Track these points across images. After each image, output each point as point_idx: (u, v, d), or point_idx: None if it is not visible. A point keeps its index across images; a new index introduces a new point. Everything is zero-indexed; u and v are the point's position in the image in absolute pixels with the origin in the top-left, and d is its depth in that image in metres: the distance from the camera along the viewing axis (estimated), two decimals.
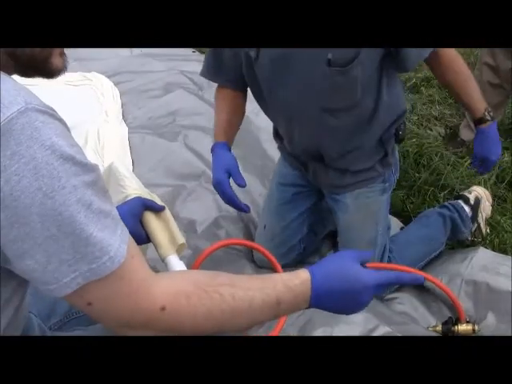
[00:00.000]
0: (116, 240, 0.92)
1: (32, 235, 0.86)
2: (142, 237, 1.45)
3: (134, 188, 1.58)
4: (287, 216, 2.19)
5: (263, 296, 1.04)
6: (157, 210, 1.48)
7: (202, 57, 3.62)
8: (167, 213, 1.51)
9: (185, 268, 1.42)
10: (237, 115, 2.05)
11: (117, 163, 1.77)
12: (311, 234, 2.29)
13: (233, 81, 1.98)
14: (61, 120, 0.90)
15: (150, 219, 1.46)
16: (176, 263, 1.41)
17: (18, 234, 0.86)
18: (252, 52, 1.78)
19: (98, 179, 0.92)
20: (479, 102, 1.93)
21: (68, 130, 0.92)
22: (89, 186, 0.89)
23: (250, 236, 2.35)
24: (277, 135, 2.18)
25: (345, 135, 1.91)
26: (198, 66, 3.34)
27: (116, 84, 3.26)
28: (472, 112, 1.97)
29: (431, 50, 1.76)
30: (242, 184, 1.84)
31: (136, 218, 1.45)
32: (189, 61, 3.56)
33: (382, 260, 2.12)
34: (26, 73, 1.01)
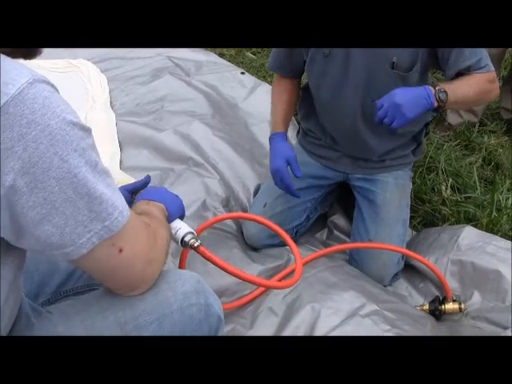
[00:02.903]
0: (119, 195, 1.00)
1: (50, 199, 0.91)
2: None
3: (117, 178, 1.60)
4: (293, 201, 2.23)
5: None
6: (142, 187, 1.52)
7: None
8: None
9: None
10: (293, 103, 2.27)
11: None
12: (305, 220, 2.32)
13: (296, 72, 2.22)
14: (55, 87, 0.95)
15: None
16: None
17: (37, 199, 0.90)
18: (325, 49, 1.98)
19: (94, 142, 0.98)
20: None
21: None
22: (92, 148, 0.96)
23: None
24: (308, 130, 2.32)
25: (391, 134, 2.05)
26: (185, 52, 3.38)
27: (103, 71, 3.22)
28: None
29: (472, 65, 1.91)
30: (298, 175, 2.04)
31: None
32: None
33: (402, 246, 2.19)
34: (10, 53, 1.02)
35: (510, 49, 3.28)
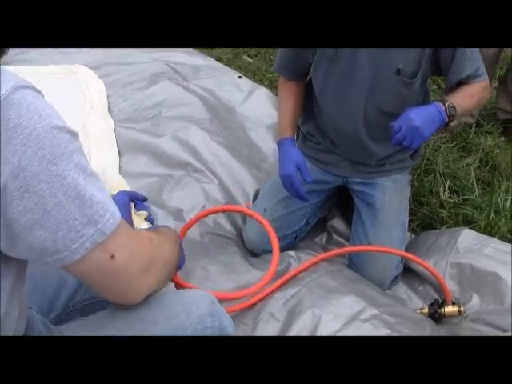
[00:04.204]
0: (109, 198, 1.01)
1: (41, 203, 0.91)
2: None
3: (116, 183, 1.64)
4: (292, 206, 2.25)
5: None
6: (141, 199, 1.55)
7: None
8: None
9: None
10: (300, 106, 2.27)
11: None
12: (305, 225, 2.33)
13: (301, 75, 2.24)
14: (40, 92, 0.96)
15: None
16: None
17: (28, 203, 0.91)
18: (331, 51, 2.01)
19: (81, 146, 0.98)
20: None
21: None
22: (80, 151, 0.96)
23: (235, 223, 2.38)
24: (308, 134, 2.34)
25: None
26: (182, 56, 3.39)
27: (101, 76, 3.22)
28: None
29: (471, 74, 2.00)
30: (308, 180, 2.09)
31: (128, 210, 1.50)
32: (173, 51, 3.53)
33: (401, 249, 2.21)
34: None
35: (505, 49, 3.29)
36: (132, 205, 1.53)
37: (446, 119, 1.90)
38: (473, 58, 1.99)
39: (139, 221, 1.55)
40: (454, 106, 1.90)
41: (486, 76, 2.06)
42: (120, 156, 2.61)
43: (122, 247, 1.03)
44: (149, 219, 1.58)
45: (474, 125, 3.23)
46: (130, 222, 1.49)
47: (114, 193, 1.55)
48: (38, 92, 0.94)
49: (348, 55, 2.00)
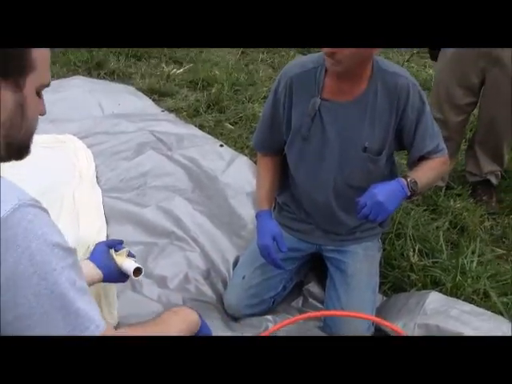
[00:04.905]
0: (96, 311, 1.10)
1: (29, 314, 1.01)
2: (120, 272, 1.73)
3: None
4: (270, 272, 2.38)
5: None
6: (119, 244, 1.75)
7: (170, 116, 3.84)
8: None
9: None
10: (276, 180, 2.41)
11: None
12: (282, 290, 2.47)
13: (277, 150, 2.36)
14: (45, 210, 1.07)
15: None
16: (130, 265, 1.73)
17: (17, 314, 1.00)
18: (304, 130, 2.15)
19: (76, 260, 1.10)
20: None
21: (49, 216, 1.09)
22: (72, 267, 1.07)
23: (216, 289, 2.50)
24: (284, 204, 2.48)
25: None
26: (167, 126, 3.57)
27: (89, 146, 3.39)
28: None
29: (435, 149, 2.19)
30: (284, 250, 2.22)
31: (107, 255, 1.71)
32: (158, 120, 3.72)
33: (372, 312, 2.33)
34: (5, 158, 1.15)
35: (474, 113, 3.45)
36: (112, 250, 1.72)
37: (409, 194, 2.05)
38: (433, 136, 2.18)
39: (122, 259, 1.74)
40: (415, 182, 2.05)
41: (446, 151, 2.24)
42: (107, 225, 2.76)
43: None
44: (130, 254, 1.78)
45: (444, 188, 3.40)
46: (112, 266, 1.70)
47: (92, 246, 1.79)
48: (41, 209, 1.05)
49: (319, 134, 2.16)
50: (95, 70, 4.65)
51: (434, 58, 3.28)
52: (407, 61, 5.47)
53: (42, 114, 1.19)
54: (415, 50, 5.63)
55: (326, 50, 1.92)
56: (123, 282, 1.81)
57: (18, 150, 1.16)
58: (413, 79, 2.13)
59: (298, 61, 2.23)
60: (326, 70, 2.07)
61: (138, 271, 1.76)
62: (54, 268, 1.02)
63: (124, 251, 1.78)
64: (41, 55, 1.11)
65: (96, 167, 3.21)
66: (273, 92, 2.21)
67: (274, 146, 2.36)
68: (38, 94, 1.15)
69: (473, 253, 2.80)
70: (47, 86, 1.16)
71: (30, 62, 1.08)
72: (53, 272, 1.02)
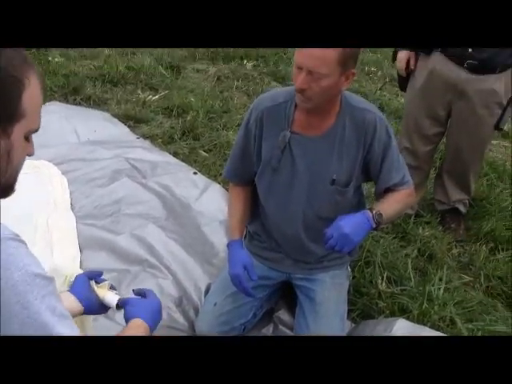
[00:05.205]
0: (77, 333, 1.16)
1: None
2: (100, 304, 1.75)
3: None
4: (240, 300, 2.42)
5: None
6: (99, 275, 1.78)
7: (146, 143, 3.88)
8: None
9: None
10: (248, 210, 2.46)
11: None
12: (252, 317, 2.51)
13: (248, 181, 2.42)
14: (24, 242, 1.14)
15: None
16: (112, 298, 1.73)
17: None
18: (274, 161, 2.21)
19: (55, 287, 1.17)
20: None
21: (28, 247, 1.15)
22: (52, 294, 1.14)
23: (187, 317, 2.54)
24: (254, 233, 2.54)
25: None
26: (141, 153, 3.62)
27: (64, 172, 3.41)
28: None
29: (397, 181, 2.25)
30: (254, 279, 2.26)
31: (88, 287, 1.72)
32: (133, 147, 3.76)
33: None
34: None
35: (444, 141, 3.54)
36: (92, 282, 1.75)
37: (374, 226, 2.12)
38: (399, 169, 2.25)
39: (104, 292, 1.76)
40: (380, 214, 2.12)
41: (411, 183, 2.31)
42: (81, 252, 2.79)
43: None
44: (112, 287, 1.80)
45: (413, 215, 3.47)
46: (93, 298, 1.70)
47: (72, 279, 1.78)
48: (20, 241, 1.12)
49: (289, 166, 2.22)
50: (71, 96, 4.67)
51: (403, 88, 3.38)
52: (380, 89, 5.58)
53: (30, 155, 1.22)
54: (387, 79, 5.76)
55: (296, 86, 1.98)
56: (104, 313, 1.84)
57: (3, 190, 1.19)
58: (380, 114, 2.20)
59: (269, 94, 2.29)
60: (295, 105, 2.14)
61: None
62: (35, 297, 1.09)
63: (106, 284, 1.79)
64: (32, 103, 1.13)
65: (71, 194, 3.23)
66: (244, 124, 2.28)
67: (245, 177, 2.41)
68: (27, 138, 1.17)
69: (440, 280, 2.88)
70: (36, 130, 1.19)
71: (20, 110, 1.11)
72: (34, 301, 1.09)
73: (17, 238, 1.12)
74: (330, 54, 1.89)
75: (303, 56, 1.93)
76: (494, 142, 4.73)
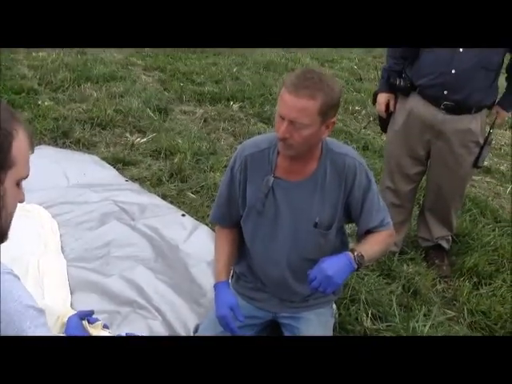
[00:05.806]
0: None
1: None
2: None
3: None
4: None
5: None
6: (90, 315, 1.87)
7: (134, 186, 3.95)
8: None
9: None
10: (234, 252, 2.51)
11: None
12: None
13: (235, 223, 2.46)
14: (18, 277, 1.26)
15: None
16: None
17: None
18: (259, 205, 2.29)
19: (46, 319, 1.28)
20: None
21: (21, 282, 1.27)
22: (44, 325, 1.26)
23: None
24: (241, 274, 2.60)
25: None
26: (130, 195, 3.68)
27: (54, 215, 3.47)
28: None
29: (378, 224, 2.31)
30: (241, 320, 2.28)
31: (81, 328, 1.81)
32: (122, 190, 3.83)
33: None
34: None
35: (425, 178, 3.63)
36: (85, 322, 1.81)
37: (356, 267, 2.18)
38: (379, 211, 2.32)
39: (97, 331, 1.83)
40: (362, 255, 2.19)
41: (391, 224, 2.38)
42: (71, 293, 2.84)
43: None
44: (105, 326, 1.86)
45: (397, 253, 3.54)
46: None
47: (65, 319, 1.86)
48: (15, 276, 1.23)
49: (273, 210, 2.30)
50: (61, 139, 4.75)
51: (384, 129, 3.48)
52: (364, 128, 5.71)
53: (21, 201, 1.28)
54: (371, 118, 5.88)
55: (279, 135, 2.07)
56: None
57: None
58: (360, 158, 2.29)
59: (253, 141, 2.37)
60: (278, 151, 2.23)
61: None
62: (28, 326, 1.21)
63: (99, 324, 1.86)
64: (20, 152, 1.21)
65: (61, 237, 3.29)
66: (229, 170, 2.36)
67: (231, 220, 2.47)
68: (18, 184, 1.25)
69: (424, 315, 2.94)
70: (26, 178, 1.26)
71: (10, 159, 1.18)
72: (28, 330, 1.21)
73: (12, 273, 1.24)
74: (311, 105, 1.98)
75: (286, 107, 2.01)
76: (476, 177, 4.85)
